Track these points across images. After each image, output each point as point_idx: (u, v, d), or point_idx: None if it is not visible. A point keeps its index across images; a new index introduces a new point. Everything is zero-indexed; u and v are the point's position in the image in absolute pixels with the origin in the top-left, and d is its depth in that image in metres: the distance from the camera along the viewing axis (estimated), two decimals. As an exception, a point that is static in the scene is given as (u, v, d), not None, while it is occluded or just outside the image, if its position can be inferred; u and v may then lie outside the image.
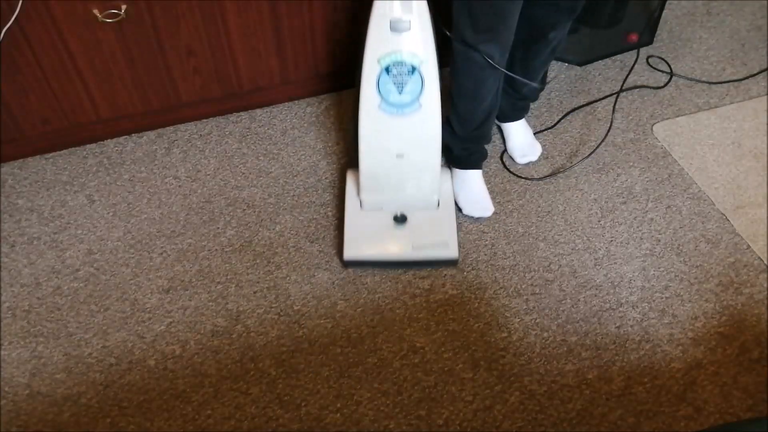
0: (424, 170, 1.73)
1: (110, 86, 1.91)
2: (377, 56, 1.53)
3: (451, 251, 1.74)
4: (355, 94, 1.62)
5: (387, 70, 1.54)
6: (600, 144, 2.04)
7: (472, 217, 1.85)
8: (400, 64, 1.54)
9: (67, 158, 2.01)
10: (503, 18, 1.57)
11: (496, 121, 2.07)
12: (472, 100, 1.74)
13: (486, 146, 1.91)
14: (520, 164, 2.00)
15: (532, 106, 2.15)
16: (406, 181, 1.75)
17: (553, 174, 1.98)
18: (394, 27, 1.48)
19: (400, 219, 1.76)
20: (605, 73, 2.28)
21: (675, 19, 2.46)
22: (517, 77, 1.77)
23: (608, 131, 2.05)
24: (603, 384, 1.57)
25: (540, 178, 1.97)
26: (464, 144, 1.86)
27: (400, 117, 1.62)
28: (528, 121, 2.08)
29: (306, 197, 1.92)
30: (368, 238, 1.74)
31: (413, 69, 1.54)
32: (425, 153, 1.70)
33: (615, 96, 2.15)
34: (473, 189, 1.88)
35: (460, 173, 1.89)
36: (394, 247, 1.74)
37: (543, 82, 2.18)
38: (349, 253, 1.71)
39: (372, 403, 1.54)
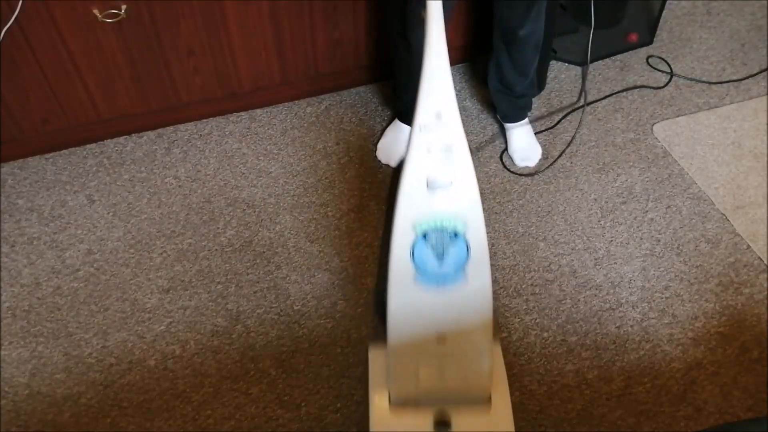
0: (472, 357, 1.38)
1: (110, 86, 1.91)
2: (412, 220, 1.24)
3: None
4: (381, 259, 1.46)
5: (424, 236, 1.26)
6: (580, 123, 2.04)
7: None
8: (440, 229, 1.25)
9: (67, 158, 2.01)
10: None
11: (500, 122, 2.08)
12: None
13: None
14: (518, 166, 2.00)
15: (533, 106, 2.15)
16: (448, 371, 1.39)
17: (548, 167, 1.97)
18: (432, 185, 1.21)
19: (442, 426, 1.37)
20: (605, 73, 2.28)
21: (675, 19, 2.46)
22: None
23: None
24: (603, 384, 1.57)
25: (536, 173, 1.97)
26: (403, 105, 1.99)
27: (441, 291, 1.31)
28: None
29: (306, 197, 1.92)
30: None
31: (456, 234, 1.26)
32: (472, 335, 1.36)
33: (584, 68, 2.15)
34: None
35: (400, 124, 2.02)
36: None
37: (542, 84, 2.18)
38: None
39: (372, 403, 1.54)
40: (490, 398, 1.40)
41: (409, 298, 1.31)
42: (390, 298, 1.30)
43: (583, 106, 2.13)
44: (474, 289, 1.31)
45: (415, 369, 1.37)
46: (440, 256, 1.28)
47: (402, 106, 2.01)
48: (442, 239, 1.26)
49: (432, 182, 1.21)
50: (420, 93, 1.15)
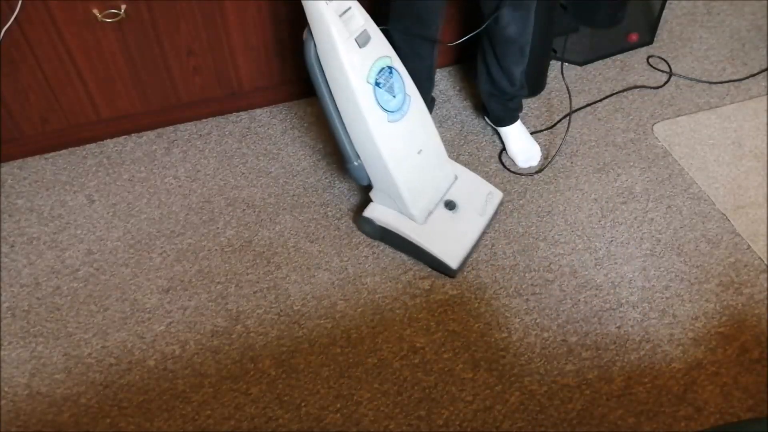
0: (438, 150, 1.76)
1: (110, 86, 1.91)
2: (364, 77, 1.52)
3: (498, 193, 1.86)
4: (336, 131, 1.63)
5: (377, 83, 1.54)
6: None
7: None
8: (383, 71, 1.55)
9: (67, 158, 2.01)
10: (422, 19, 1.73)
11: (494, 125, 2.07)
12: (413, 58, 1.86)
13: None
14: (522, 168, 2.00)
15: (532, 106, 2.15)
16: (433, 171, 1.76)
17: (546, 166, 1.98)
18: (362, 41, 1.50)
19: (452, 205, 1.78)
20: (605, 73, 2.28)
21: (675, 19, 2.46)
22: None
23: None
24: (603, 384, 1.57)
25: (536, 173, 1.97)
26: None
27: (404, 118, 1.62)
28: (527, 122, 2.08)
29: (306, 197, 1.92)
30: (451, 240, 1.74)
31: (390, 69, 1.57)
32: (431, 134, 1.73)
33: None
34: None
35: None
36: (472, 227, 1.78)
37: (542, 84, 2.18)
38: (454, 263, 1.71)
39: (372, 403, 1.54)
40: (455, 176, 1.83)
41: (391, 137, 1.60)
42: (380, 148, 1.58)
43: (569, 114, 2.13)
44: (417, 100, 1.66)
45: (420, 187, 1.72)
46: (391, 91, 1.58)
47: None
48: (387, 78, 1.57)
49: (360, 39, 1.49)
50: None
